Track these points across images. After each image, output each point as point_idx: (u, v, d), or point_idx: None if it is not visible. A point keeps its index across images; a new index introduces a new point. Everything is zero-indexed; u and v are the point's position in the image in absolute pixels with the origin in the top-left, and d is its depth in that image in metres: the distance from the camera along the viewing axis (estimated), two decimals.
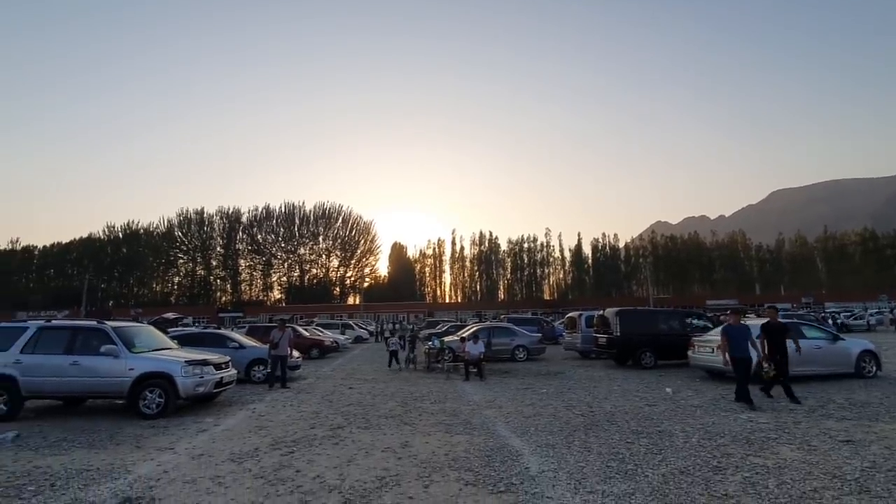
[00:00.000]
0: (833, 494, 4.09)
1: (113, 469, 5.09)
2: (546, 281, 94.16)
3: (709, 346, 11.17)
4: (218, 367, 8.58)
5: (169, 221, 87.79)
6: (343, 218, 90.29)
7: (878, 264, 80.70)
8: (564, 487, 4.36)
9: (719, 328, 12.87)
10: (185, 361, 7.96)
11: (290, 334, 12.14)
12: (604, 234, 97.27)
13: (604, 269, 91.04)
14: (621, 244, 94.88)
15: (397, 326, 28.70)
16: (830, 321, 30.45)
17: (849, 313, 38.56)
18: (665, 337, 14.08)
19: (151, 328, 9.84)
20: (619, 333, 14.11)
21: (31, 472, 5.05)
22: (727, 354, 8.18)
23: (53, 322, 8.70)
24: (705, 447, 5.57)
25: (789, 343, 8.57)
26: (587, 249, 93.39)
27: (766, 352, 8.38)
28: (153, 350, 8.43)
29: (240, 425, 7.23)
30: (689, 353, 11.84)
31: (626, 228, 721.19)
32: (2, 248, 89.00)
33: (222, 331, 15.48)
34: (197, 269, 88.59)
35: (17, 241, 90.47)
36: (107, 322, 8.55)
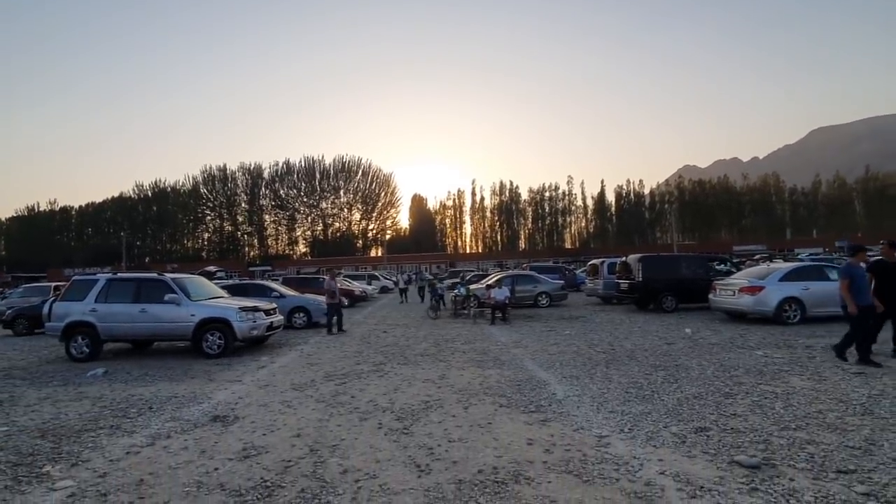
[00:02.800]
0: (836, 415, 4.49)
1: (196, 396, 5.95)
2: (568, 230, 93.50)
3: (730, 289, 11.44)
4: (267, 312, 9.42)
5: (194, 179, 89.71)
6: (363, 171, 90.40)
7: None
8: (588, 408, 4.95)
9: (748, 270, 13.07)
10: (239, 308, 8.80)
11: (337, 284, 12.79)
12: (628, 181, 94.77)
13: (627, 217, 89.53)
14: (646, 190, 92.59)
15: (416, 276, 29.52)
16: None
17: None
18: (687, 281, 14.36)
19: (203, 279, 10.71)
20: (641, 279, 14.44)
21: (128, 398, 5.95)
22: (852, 302, 6.53)
23: (119, 274, 9.59)
24: (719, 378, 6.04)
25: None
26: (611, 197, 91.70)
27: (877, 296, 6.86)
28: (209, 298, 9.28)
29: (293, 363, 8.10)
30: (711, 296, 12.16)
31: (652, 174, 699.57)
32: (42, 209, 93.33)
33: (264, 282, 16.50)
34: (224, 224, 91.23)
35: (55, 201, 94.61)
36: (165, 273, 9.39)
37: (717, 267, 15.54)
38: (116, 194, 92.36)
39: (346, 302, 13.67)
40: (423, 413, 4.95)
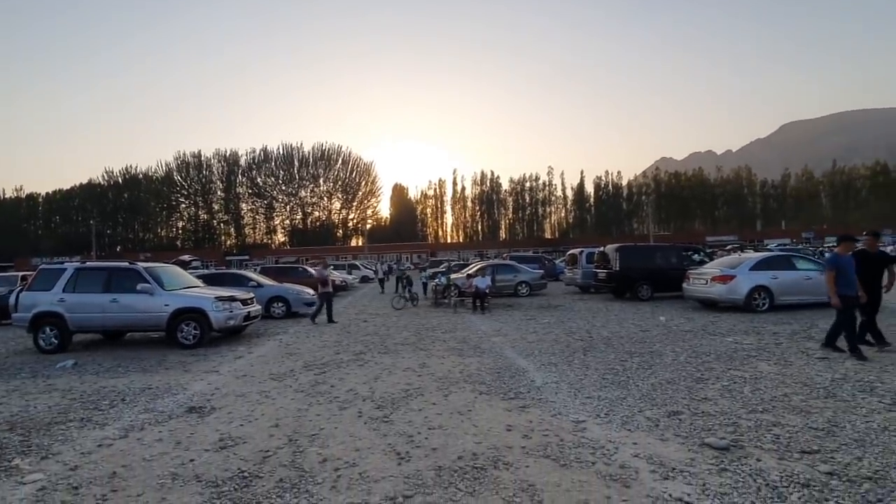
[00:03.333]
0: (801, 398, 4.68)
1: (171, 387, 5.83)
2: (547, 220, 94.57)
3: (703, 279, 11.77)
4: (244, 302, 9.25)
5: (167, 165, 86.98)
6: (343, 159, 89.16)
7: (888, 197, 77.57)
8: (566, 394, 5.04)
9: (720, 260, 13.47)
10: (215, 297, 8.61)
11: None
12: (607, 172, 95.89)
13: (605, 208, 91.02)
14: (624, 182, 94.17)
15: (394, 267, 29.49)
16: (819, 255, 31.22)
17: None
18: (662, 271, 14.70)
19: (178, 268, 10.42)
20: (618, 268, 14.72)
21: (99, 391, 5.79)
22: (835, 294, 6.40)
23: (88, 263, 9.26)
24: (691, 364, 6.23)
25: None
26: (589, 188, 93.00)
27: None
28: (184, 288, 9.05)
29: (271, 352, 7.99)
30: (684, 285, 12.48)
31: (630, 165, 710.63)
32: (9, 196, 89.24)
33: (241, 271, 16.20)
34: (199, 213, 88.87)
35: (20, 188, 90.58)
36: (137, 263, 9.11)
37: (691, 257, 15.94)
38: (85, 181, 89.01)
39: (311, 292, 13.44)
40: (404, 401, 4.96)
